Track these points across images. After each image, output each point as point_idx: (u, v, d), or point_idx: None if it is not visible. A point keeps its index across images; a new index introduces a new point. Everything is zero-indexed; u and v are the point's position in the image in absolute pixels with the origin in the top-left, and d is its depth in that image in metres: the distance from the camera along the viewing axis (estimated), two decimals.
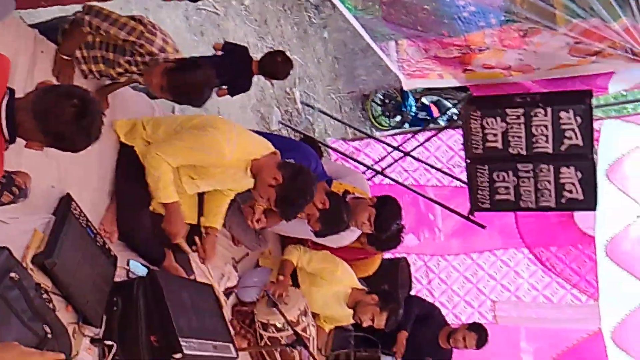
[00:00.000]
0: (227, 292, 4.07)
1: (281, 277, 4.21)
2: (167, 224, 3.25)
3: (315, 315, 4.45)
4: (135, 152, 3.31)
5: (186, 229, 3.34)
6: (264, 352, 4.06)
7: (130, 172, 3.26)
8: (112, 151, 3.32)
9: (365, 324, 4.37)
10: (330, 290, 4.37)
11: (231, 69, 4.36)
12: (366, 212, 4.26)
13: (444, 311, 5.77)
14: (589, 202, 4.73)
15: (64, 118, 2.10)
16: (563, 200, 4.76)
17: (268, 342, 3.99)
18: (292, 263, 4.33)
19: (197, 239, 3.55)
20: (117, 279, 3.09)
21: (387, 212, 4.32)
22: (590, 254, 5.52)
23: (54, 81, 2.89)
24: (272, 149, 3.42)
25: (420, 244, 6.36)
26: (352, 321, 4.60)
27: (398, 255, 5.86)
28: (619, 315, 5.19)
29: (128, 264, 3.26)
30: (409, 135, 6.16)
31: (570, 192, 4.77)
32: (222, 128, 3.23)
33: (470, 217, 5.20)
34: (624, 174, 5.38)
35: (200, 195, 3.62)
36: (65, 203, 2.84)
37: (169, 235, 3.28)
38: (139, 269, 3.29)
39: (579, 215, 5.53)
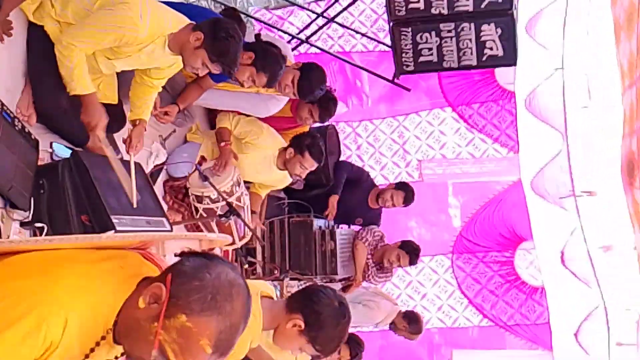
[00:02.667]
0: (157, 170, 4.09)
1: (223, 144, 4.22)
2: (85, 115, 3.15)
3: (249, 183, 4.54)
4: (46, 32, 3.17)
5: (105, 120, 3.25)
6: (200, 223, 4.15)
7: (42, 52, 3.12)
8: (21, 30, 3.16)
9: (304, 175, 4.48)
10: (259, 155, 4.42)
11: None
12: (290, 74, 4.24)
13: (372, 173, 5.96)
14: (509, 57, 4.84)
15: None
16: (484, 58, 4.86)
17: (204, 214, 4.06)
18: (228, 129, 4.33)
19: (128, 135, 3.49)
20: (41, 163, 3.06)
21: (311, 75, 4.30)
22: (511, 108, 5.73)
23: None
24: (188, 21, 3.33)
25: (349, 111, 6.44)
26: (286, 183, 4.70)
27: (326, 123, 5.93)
28: (538, 165, 5.48)
29: (51, 147, 3.22)
30: (333, 0, 6.06)
31: (491, 49, 4.86)
32: (134, 2, 3.11)
33: (396, 80, 5.27)
34: (543, 28, 5.48)
35: (119, 74, 3.54)
36: None
37: (87, 127, 3.20)
38: (63, 151, 3.25)
39: (499, 72, 5.67)
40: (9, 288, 1.41)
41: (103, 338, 1.49)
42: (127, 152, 3.51)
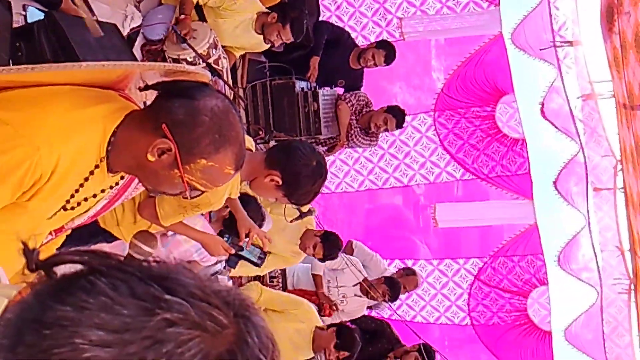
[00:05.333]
0: (133, 32, 4.03)
1: (182, 17, 4.14)
2: None
3: (226, 47, 4.48)
4: None
5: None
6: None
7: None
8: None
9: (277, 44, 4.45)
10: (235, 19, 4.35)
11: None
12: None
13: (352, 34, 5.87)
14: None
15: None
16: None
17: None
18: (191, 0, 4.24)
19: None
20: (15, 26, 3.00)
21: None
22: None
23: None
24: None
25: None
26: (265, 47, 4.66)
27: None
28: (518, 17, 5.44)
29: (24, 10, 3.15)
30: None
31: None
32: None
33: None
34: None
35: None
36: None
37: None
38: (37, 14, 3.19)
39: None
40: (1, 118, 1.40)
41: (97, 167, 1.53)
42: None
